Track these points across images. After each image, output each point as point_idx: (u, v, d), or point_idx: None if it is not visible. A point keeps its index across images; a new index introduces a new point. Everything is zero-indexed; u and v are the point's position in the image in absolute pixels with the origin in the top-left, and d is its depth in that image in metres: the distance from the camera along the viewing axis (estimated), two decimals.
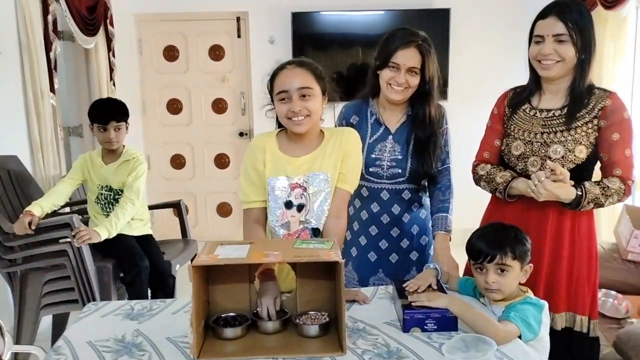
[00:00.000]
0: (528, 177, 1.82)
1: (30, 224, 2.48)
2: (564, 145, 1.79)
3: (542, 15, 1.79)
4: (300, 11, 4.47)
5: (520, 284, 1.59)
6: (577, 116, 1.79)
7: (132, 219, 2.80)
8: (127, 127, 2.81)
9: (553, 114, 1.83)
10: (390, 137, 2.03)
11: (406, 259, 2.09)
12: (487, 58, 4.55)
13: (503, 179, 1.88)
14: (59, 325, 2.86)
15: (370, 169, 2.02)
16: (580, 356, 1.87)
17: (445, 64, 4.43)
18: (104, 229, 2.64)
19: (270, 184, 1.73)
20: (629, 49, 3.48)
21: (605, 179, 1.79)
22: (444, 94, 4.33)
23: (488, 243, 1.58)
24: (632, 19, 3.44)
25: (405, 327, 1.51)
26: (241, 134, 4.81)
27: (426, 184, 2.07)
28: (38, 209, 2.56)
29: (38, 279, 2.64)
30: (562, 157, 1.79)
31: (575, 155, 1.78)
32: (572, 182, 1.73)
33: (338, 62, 4.57)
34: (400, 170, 2.01)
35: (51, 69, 3.28)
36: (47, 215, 2.67)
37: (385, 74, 1.95)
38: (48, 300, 2.67)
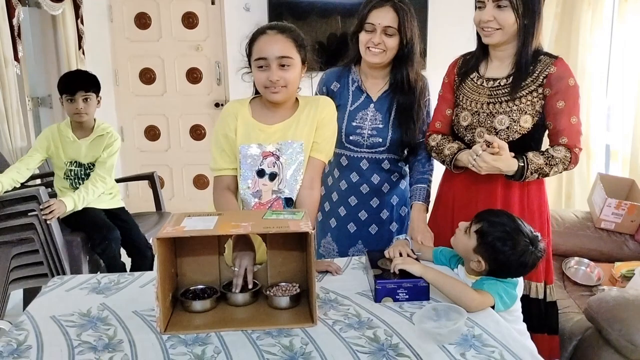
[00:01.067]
0: None
1: None
2: (509, 116, 1.76)
3: None
4: None
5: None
6: (522, 85, 1.75)
7: None
8: (98, 101, 2.74)
9: (499, 83, 1.79)
10: (372, 105, 1.99)
11: (386, 230, 2.07)
12: (466, 27, 4.46)
13: (450, 150, 1.86)
14: (31, 300, 2.80)
15: (351, 137, 1.99)
16: (539, 321, 1.88)
17: (424, 34, 4.37)
18: (70, 200, 2.59)
19: (242, 151, 1.69)
20: (605, 19, 3.45)
21: (550, 148, 1.77)
22: (422, 64, 4.28)
23: (493, 210, 1.60)
24: None
25: (377, 297, 1.51)
26: (217, 105, 4.71)
27: (406, 154, 2.04)
28: None
29: (5, 253, 2.58)
30: (507, 127, 1.76)
31: (520, 125, 1.76)
32: (512, 154, 1.70)
33: (317, 32, 4.45)
34: (380, 140, 1.97)
35: (14, 36, 3.13)
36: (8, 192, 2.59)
37: (362, 37, 1.90)
38: (16, 275, 2.62)
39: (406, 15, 1.86)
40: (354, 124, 1.98)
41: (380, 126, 1.97)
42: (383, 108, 1.98)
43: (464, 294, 1.45)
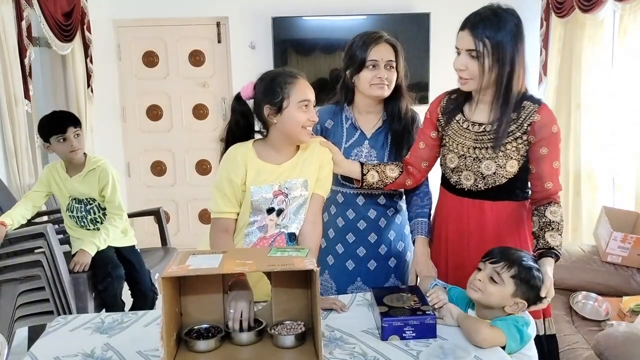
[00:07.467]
0: (462, 189, 1.82)
1: None
2: (495, 162, 1.76)
3: (461, 27, 1.72)
4: (280, 16, 4.45)
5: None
6: (506, 133, 1.75)
7: None
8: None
9: (484, 129, 1.78)
10: (366, 142, 2.01)
11: (384, 266, 2.06)
12: None
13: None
14: (35, 338, 2.79)
15: None
16: (541, 355, 1.85)
17: (426, 68, 4.43)
18: (93, 246, 2.64)
19: (254, 193, 1.70)
20: (606, 52, 3.50)
21: (548, 213, 1.73)
22: (424, 98, 4.34)
23: (506, 250, 1.60)
24: (609, 22, 3.47)
25: (384, 335, 1.49)
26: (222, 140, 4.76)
27: (403, 189, 2.05)
28: (9, 220, 2.52)
29: (12, 290, 2.58)
30: (494, 173, 1.77)
31: (507, 170, 1.77)
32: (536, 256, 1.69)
33: (320, 67, 4.55)
34: None
35: (26, 75, 3.22)
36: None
37: (365, 75, 1.93)
38: (23, 312, 2.61)
39: (399, 50, 1.97)
40: None
41: (375, 162, 1.98)
42: (377, 144, 2.01)
43: (475, 325, 1.47)
